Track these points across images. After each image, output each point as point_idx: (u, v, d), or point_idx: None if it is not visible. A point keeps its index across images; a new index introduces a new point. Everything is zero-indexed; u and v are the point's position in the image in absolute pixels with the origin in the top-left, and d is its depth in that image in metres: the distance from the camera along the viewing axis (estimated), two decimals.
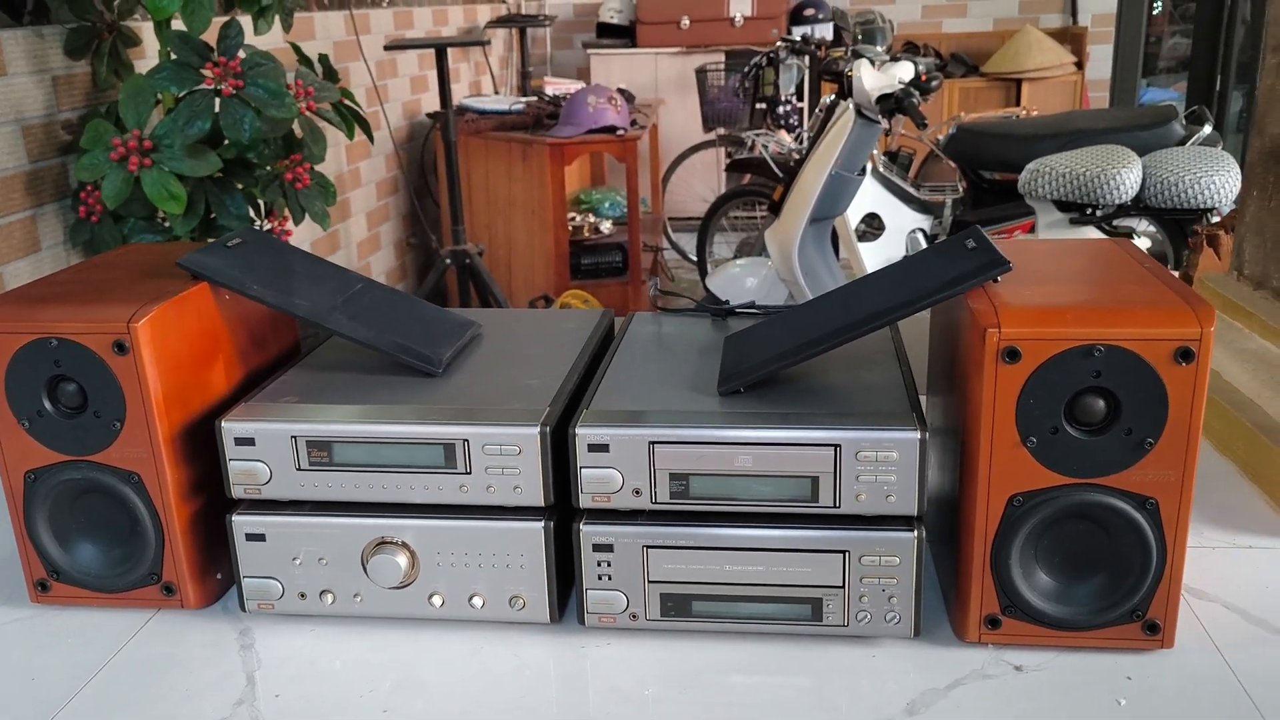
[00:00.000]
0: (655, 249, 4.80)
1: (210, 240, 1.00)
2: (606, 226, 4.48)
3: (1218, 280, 1.40)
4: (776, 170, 4.25)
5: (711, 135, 5.51)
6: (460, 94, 5.04)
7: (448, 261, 3.47)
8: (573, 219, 4.48)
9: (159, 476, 0.89)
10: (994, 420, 0.79)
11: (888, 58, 3.36)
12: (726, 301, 3.52)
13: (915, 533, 0.83)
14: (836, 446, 0.81)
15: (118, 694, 0.84)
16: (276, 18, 2.12)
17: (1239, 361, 1.23)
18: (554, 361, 0.98)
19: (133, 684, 0.85)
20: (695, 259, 4.88)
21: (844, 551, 0.84)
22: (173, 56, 1.96)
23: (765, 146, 4.32)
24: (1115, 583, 0.82)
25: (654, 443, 0.83)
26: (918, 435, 0.81)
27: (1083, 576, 0.83)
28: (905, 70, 3.27)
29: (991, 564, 0.83)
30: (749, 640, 0.87)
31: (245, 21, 2.09)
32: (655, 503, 0.85)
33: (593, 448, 0.84)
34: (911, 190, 4.08)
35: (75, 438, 0.89)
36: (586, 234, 4.39)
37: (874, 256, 3.82)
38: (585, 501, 0.85)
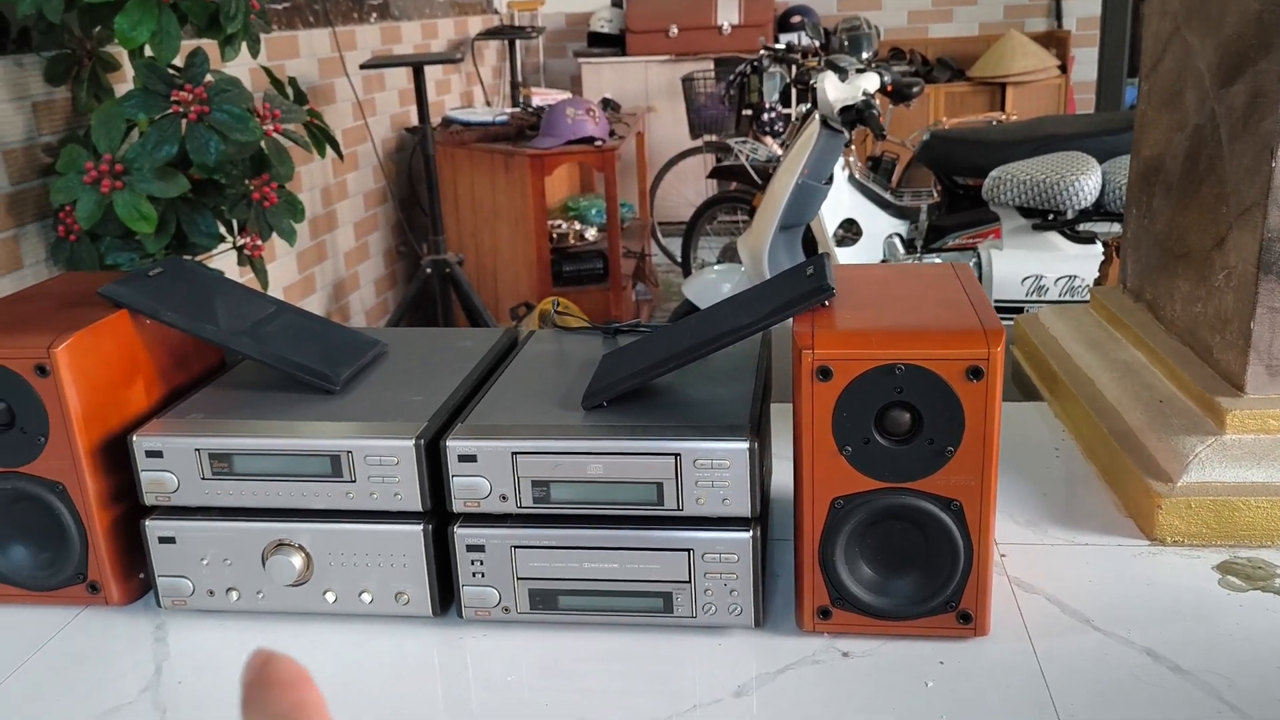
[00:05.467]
0: (640, 255, 4.89)
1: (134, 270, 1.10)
2: (592, 233, 4.57)
3: (1105, 292, 1.48)
4: (756, 177, 4.35)
5: (699, 142, 5.61)
6: (451, 104, 5.15)
7: (428, 270, 3.58)
8: (559, 226, 4.57)
9: (81, 486, 0.98)
10: (814, 431, 0.88)
11: (861, 67, 3.44)
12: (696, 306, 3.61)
13: (751, 532, 0.92)
14: (676, 455, 0.90)
15: (39, 680, 0.94)
16: (244, 44, 2.22)
17: (1110, 370, 1.32)
18: (445, 379, 1.07)
19: (52, 673, 0.95)
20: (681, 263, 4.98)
21: (688, 550, 0.93)
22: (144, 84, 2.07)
23: (746, 154, 4.41)
24: (930, 576, 0.91)
25: (516, 453, 0.92)
26: (747, 446, 0.90)
27: (902, 571, 0.92)
28: (870, 81, 3.35)
29: (820, 560, 0.92)
30: (610, 630, 0.97)
31: (215, 47, 2.20)
32: (520, 507, 0.94)
33: (462, 458, 0.93)
34: (888, 196, 4.16)
35: (5, 451, 0.98)
36: (572, 241, 4.48)
37: (852, 262, 3.91)
38: (458, 506, 0.95)
